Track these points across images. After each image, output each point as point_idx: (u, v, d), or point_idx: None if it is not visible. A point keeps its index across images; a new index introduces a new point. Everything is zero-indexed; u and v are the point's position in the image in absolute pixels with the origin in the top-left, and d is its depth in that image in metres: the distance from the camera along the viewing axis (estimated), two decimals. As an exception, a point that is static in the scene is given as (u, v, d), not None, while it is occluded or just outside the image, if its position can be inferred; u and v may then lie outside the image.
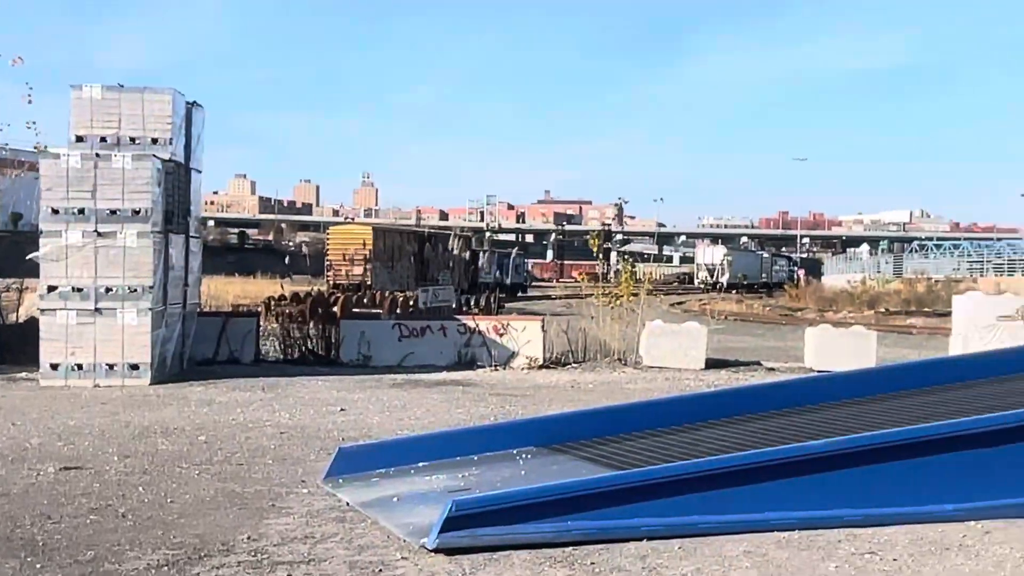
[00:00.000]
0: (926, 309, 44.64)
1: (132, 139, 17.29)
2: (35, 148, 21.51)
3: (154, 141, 17.43)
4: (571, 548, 6.77)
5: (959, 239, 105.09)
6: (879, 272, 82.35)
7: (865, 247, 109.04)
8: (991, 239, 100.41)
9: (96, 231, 16.52)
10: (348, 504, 8.06)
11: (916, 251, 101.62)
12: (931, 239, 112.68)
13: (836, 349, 20.50)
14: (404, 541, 6.91)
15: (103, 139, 17.21)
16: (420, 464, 9.06)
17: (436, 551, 6.62)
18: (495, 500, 6.87)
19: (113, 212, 16.58)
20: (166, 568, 6.41)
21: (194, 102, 19.37)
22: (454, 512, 6.62)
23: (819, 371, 19.56)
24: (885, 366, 13.84)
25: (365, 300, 27.05)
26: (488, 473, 8.65)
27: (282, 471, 9.52)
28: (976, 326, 20.56)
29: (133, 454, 10.32)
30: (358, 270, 47.65)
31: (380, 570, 6.38)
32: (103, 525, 7.45)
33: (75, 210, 16.51)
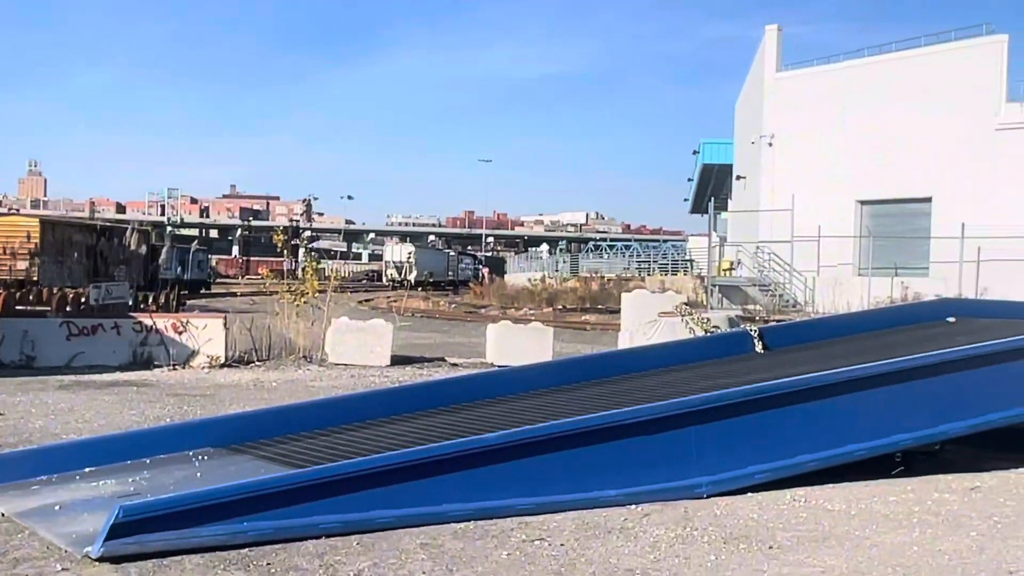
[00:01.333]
0: (599, 306, 46.80)
1: None
2: None
3: None
4: (247, 550, 6.69)
5: (630, 240, 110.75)
6: (557, 271, 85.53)
7: (545, 247, 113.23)
8: (658, 240, 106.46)
9: None
10: (2, 515, 7.62)
11: (592, 251, 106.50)
12: (605, 240, 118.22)
13: (516, 345, 21.17)
14: (66, 551, 6.60)
15: None
16: (86, 469, 8.66)
17: (101, 560, 6.38)
18: (165, 504, 6.66)
19: None
20: None
21: None
22: (120, 518, 6.39)
23: (500, 366, 20.13)
24: (559, 360, 14.46)
25: (31, 297, 25.43)
26: (161, 476, 8.37)
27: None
28: (640, 322, 21.77)
29: None
30: (22, 265, 45.19)
31: (38, 581, 6.10)
32: None
33: None
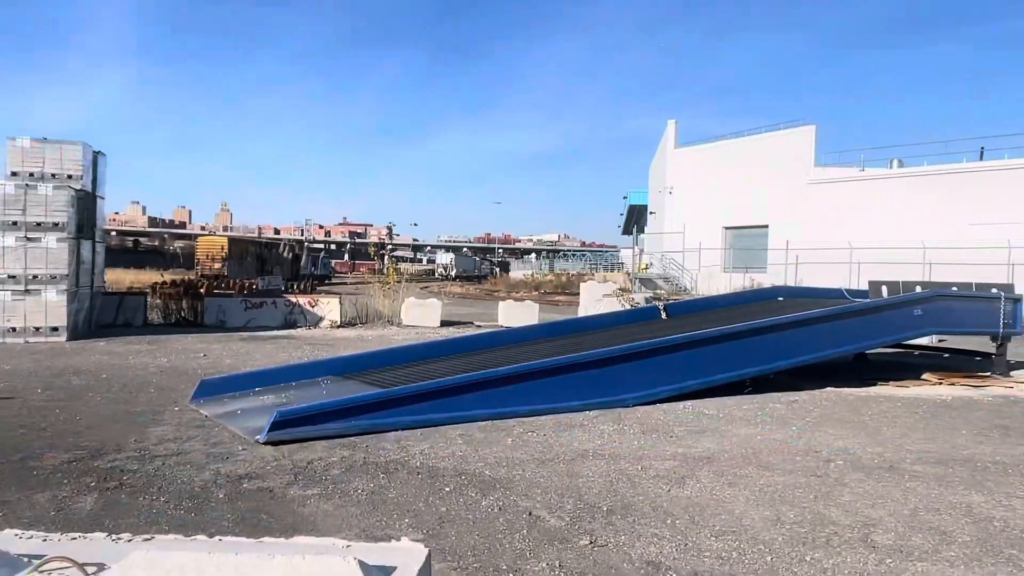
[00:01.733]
0: (566, 291, 46.72)
1: (53, 175, 15.82)
2: None
3: (69, 177, 15.99)
4: (353, 437, 6.69)
5: (584, 251, 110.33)
6: (540, 270, 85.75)
7: (533, 255, 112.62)
8: (603, 250, 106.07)
9: (26, 239, 15.05)
10: (207, 416, 7.61)
11: (561, 257, 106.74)
12: (570, 251, 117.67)
13: (515, 313, 21.15)
14: (244, 439, 6.61)
15: (31, 174, 15.65)
16: (256, 389, 8.66)
17: (266, 444, 6.39)
18: (304, 410, 6.70)
19: (37, 224, 15.17)
20: (75, 463, 5.86)
21: (99, 151, 17.78)
22: (277, 418, 6.44)
23: (506, 326, 20.13)
24: (542, 323, 14.32)
25: (223, 285, 25.50)
26: (301, 393, 8.36)
27: (161, 397, 8.83)
28: (591, 301, 21.79)
29: (53, 387, 9.32)
30: (218, 266, 45.74)
31: (227, 456, 6.09)
32: (27, 436, 6.69)
33: (10, 222, 14.98)
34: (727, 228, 46.81)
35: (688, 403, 8.82)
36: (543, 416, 7.86)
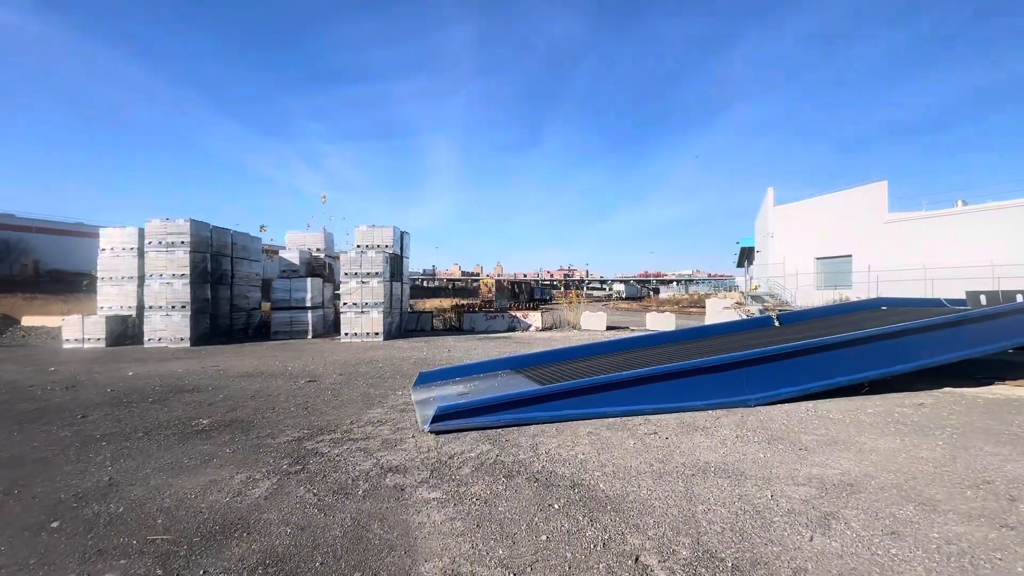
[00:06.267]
0: (697, 306, 41.12)
1: (377, 246, 15.94)
2: (264, 249, 19.37)
3: (387, 247, 16.02)
4: (498, 431, 4.67)
5: (710, 279, 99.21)
6: (680, 292, 78.09)
7: (675, 283, 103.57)
8: (722, 278, 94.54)
9: (361, 282, 15.12)
10: (412, 401, 6.08)
11: (694, 284, 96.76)
12: (699, 280, 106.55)
13: (658, 321, 17.96)
14: (418, 426, 4.89)
15: (366, 245, 15.87)
16: (455, 379, 7.02)
17: (429, 432, 4.58)
18: (459, 406, 4.74)
19: (368, 274, 15.20)
20: (294, 442, 4.46)
21: (404, 231, 17.87)
22: (437, 412, 4.57)
23: (652, 329, 17.06)
24: (677, 329, 11.32)
25: (485, 307, 25.02)
26: (481, 385, 6.54)
27: (402, 382, 7.53)
28: (715, 311, 17.81)
29: (346, 373, 8.45)
30: (490, 295, 46.27)
31: (396, 444, 4.35)
32: (290, 413, 5.51)
33: (354, 273, 15.14)
34: (818, 258, 38.63)
35: (809, 404, 5.65)
36: (668, 415, 5.28)
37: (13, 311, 17.37)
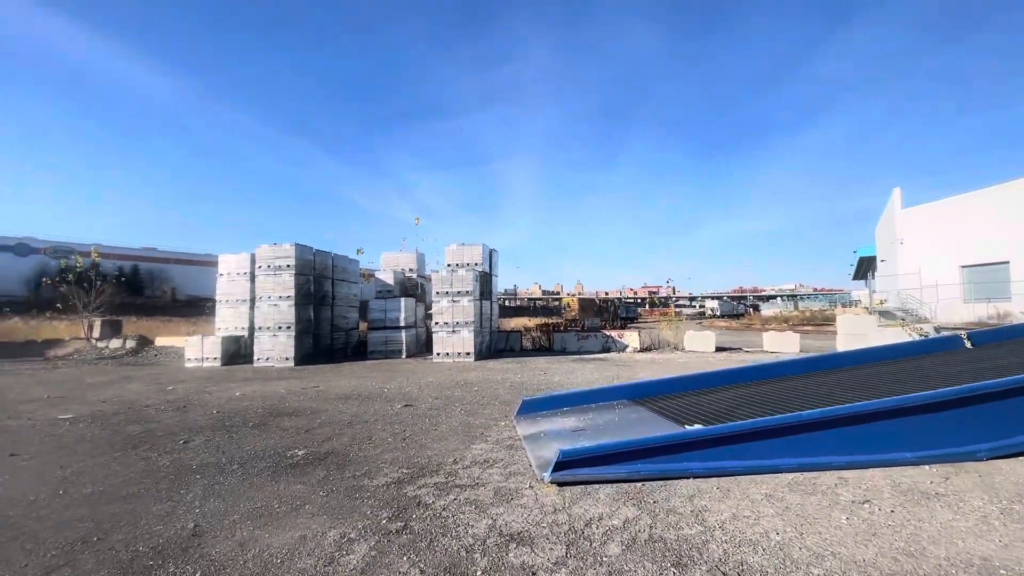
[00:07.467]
0: (811, 323, 36.69)
1: (467, 264, 15.68)
2: (361, 272, 19.60)
3: (476, 265, 15.70)
4: (640, 486, 3.63)
5: (818, 294, 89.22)
6: (787, 308, 70.48)
7: (778, 298, 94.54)
8: (832, 293, 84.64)
9: (452, 301, 14.85)
10: (518, 436, 5.22)
11: (801, 299, 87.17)
12: (806, 295, 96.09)
13: (778, 341, 15.69)
14: (534, 473, 4.00)
15: (457, 264, 15.67)
16: (563, 409, 6.08)
17: (551, 483, 3.67)
18: (588, 451, 3.77)
19: (459, 292, 14.91)
20: (393, 485, 3.79)
21: (493, 249, 17.51)
22: (561, 458, 3.64)
23: (772, 351, 14.90)
24: (824, 354, 9.43)
25: (575, 325, 23.97)
26: (597, 418, 5.53)
27: (501, 410, 6.76)
28: (849, 330, 15.04)
29: (442, 397, 7.89)
30: (573, 314, 44.98)
31: (511, 498, 3.49)
32: (388, 446, 4.91)
33: (444, 292, 14.93)
34: (964, 267, 32.56)
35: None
36: (866, 470, 3.90)
37: (150, 332, 19.42)
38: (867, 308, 40.65)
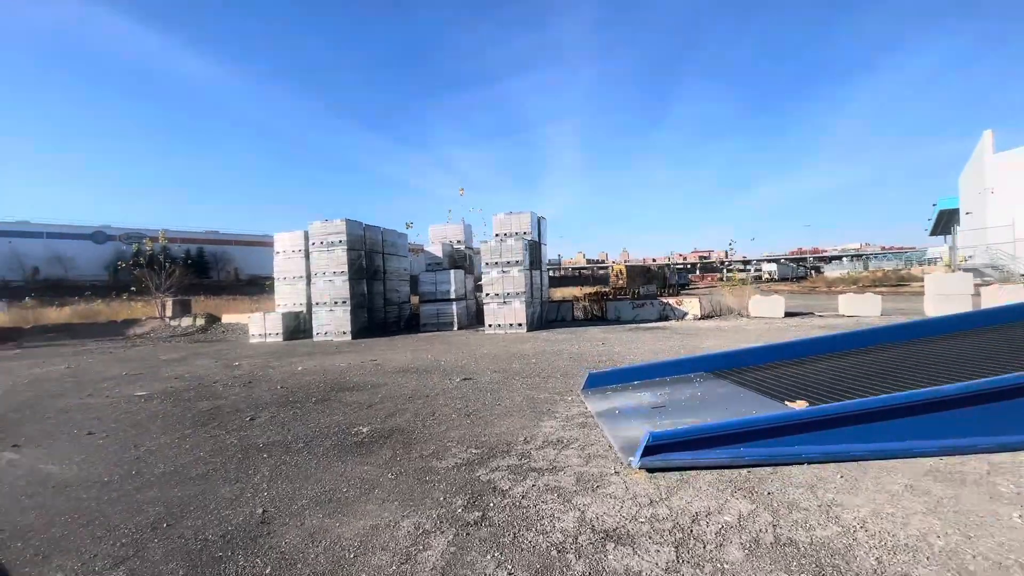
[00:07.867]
0: (884, 284, 33.82)
1: (516, 233, 15.21)
2: (410, 248, 19.50)
3: (525, 234, 15.21)
4: (747, 473, 3.15)
5: (888, 253, 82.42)
6: (855, 269, 65.49)
7: (845, 258, 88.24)
8: (904, 251, 77.95)
9: (502, 271, 14.54)
10: (589, 412, 4.84)
11: (871, 259, 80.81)
12: (875, 254, 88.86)
13: (857, 304, 14.36)
14: (618, 456, 3.60)
15: (505, 234, 15.24)
16: (635, 383, 5.63)
17: (640, 469, 3.27)
18: (681, 433, 3.32)
19: (508, 263, 14.56)
20: (464, 466, 3.52)
21: (541, 216, 16.94)
22: (651, 442, 3.22)
23: (849, 315, 13.68)
24: (925, 319, 8.44)
25: (620, 294, 23.21)
26: (675, 392, 5.06)
27: (564, 383, 6.40)
28: (938, 292, 13.40)
29: (500, 370, 7.62)
30: (621, 282, 43.85)
31: (598, 485, 3.12)
32: (452, 423, 4.67)
33: (494, 263, 14.66)
34: (1071, 216, 28.70)
35: None
36: (1019, 453, 3.23)
37: (217, 310, 20.44)
38: (948, 266, 36.92)
